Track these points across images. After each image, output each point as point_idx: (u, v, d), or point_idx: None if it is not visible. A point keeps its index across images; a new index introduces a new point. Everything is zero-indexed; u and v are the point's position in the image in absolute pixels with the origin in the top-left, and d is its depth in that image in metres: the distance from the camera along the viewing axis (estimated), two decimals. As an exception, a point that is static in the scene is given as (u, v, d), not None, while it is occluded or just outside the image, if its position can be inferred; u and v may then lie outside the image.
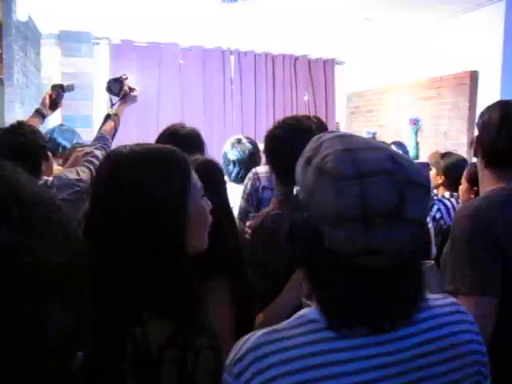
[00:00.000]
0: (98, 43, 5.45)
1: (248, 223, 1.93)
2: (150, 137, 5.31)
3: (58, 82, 5.50)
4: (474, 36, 4.19)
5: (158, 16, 4.60)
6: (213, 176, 1.25)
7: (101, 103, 5.43)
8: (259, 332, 0.72)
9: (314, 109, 6.18)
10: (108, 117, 2.27)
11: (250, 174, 2.22)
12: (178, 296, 0.85)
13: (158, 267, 0.84)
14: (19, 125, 1.66)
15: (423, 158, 4.73)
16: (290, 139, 1.49)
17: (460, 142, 4.29)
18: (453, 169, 2.35)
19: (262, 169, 2.24)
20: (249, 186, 2.27)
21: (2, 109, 3.76)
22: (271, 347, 0.69)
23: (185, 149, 0.99)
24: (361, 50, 5.90)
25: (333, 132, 0.79)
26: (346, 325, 0.69)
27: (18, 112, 3.71)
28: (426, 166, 4.55)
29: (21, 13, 3.89)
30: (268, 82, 5.97)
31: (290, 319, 0.74)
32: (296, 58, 6.08)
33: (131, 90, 2.35)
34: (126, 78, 2.34)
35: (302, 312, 0.75)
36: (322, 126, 1.67)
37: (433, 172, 2.51)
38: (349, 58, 6.36)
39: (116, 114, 2.27)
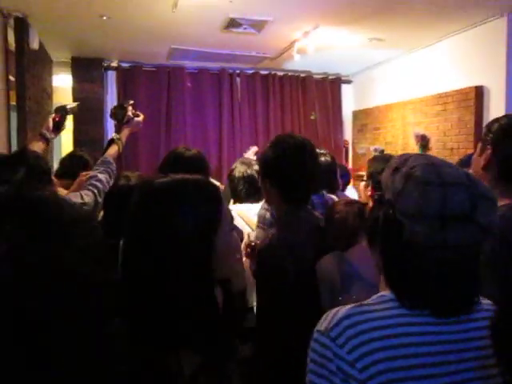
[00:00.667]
0: (107, 69, 5.59)
1: (247, 241, 1.95)
2: (159, 158, 5.35)
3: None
4: (478, 52, 4.22)
5: (164, 39, 4.71)
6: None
7: (111, 127, 5.56)
8: (347, 306, 0.85)
9: (322, 127, 6.24)
10: (112, 141, 2.31)
11: (264, 205, 2.15)
12: (208, 323, 0.86)
13: (190, 296, 0.86)
14: (21, 151, 1.71)
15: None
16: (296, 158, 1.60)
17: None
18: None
19: None
20: (268, 216, 2.13)
21: (14, 135, 3.87)
22: (361, 317, 0.83)
23: (190, 171, 1.00)
24: (366, 67, 5.98)
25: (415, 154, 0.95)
26: (416, 307, 0.83)
27: (29, 139, 3.79)
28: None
29: (33, 41, 4.02)
30: (276, 102, 6.07)
31: (373, 297, 0.88)
32: (303, 78, 6.17)
33: (135, 115, 2.41)
34: (131, 104, 2.40)
35: (382, 293, 0.88)
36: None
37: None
38: (355, 76, 6.43)
39: (119, 139, 2.32)
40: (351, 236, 1.49)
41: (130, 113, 2.37)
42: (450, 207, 0.80)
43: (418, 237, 0.80)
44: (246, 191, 2.53)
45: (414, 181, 0.83)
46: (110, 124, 5.61)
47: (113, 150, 2.25)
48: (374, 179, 2.09)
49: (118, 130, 2.50)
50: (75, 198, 1.90)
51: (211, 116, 5.84)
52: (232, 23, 4.11)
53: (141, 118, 2.46)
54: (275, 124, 6.05)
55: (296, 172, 1.60)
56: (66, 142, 6.19)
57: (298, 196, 1.63)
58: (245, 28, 4.25)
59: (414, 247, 0.81)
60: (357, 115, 6.37)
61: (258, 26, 4.21)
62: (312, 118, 6.18)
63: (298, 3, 3.69)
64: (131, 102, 2.46)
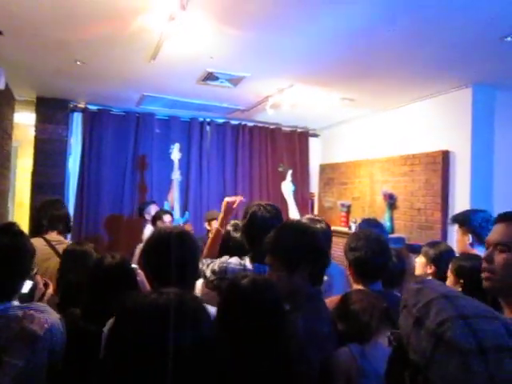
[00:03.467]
0: (74, 110, 5.45)
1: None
2: (123, 206, 5.16)
3: (30, 147, 5.46)
4: (445, 117, 4.43)
5: (137, 86, 4.67)
6: None
7: (73, 170, 5.38)
8: None
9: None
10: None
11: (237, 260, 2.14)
12: None
13: None
14: (9, 226, 1.59)
15: (398, 232, 4.82)
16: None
17: (434, 219, 4.40)
18: (442, 259, 2.38)
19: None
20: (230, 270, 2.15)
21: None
22: None
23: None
24: (335, 123, 6.15)
25: (432, 286, 0.82)
26: None
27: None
28: (402, 241, 4.64)
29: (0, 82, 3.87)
30: (245, 153, 6.11)
31: None
32: (272, 129, 6.25)
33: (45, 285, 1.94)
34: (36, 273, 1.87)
35: None
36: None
37: (422, 261, 2.53)
38: (323, 131, 6.59)
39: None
40: (367, 330, 1.41)
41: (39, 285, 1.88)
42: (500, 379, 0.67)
43: None
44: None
45: (447, 347, 0.70)
46: (74, 168, 5.45)
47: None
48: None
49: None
50: None
51: (179, 162, 5.74)
52: (209, 76, 4.13)
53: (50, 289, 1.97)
54: (243, 174, 6.07)
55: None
56: (22, 186, 5.93)
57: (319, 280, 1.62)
58: (221, 82, 4.28)
59: None
60: (324, 169, 6.48)
61: (235, 80, 4.25)
62: (280, 169, 6.17)
63: (276, 63, 3.77)
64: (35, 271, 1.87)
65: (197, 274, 1.70)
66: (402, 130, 5.02)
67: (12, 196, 5.68)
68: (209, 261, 2.20)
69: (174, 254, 1.54)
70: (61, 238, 2.85)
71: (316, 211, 6.56)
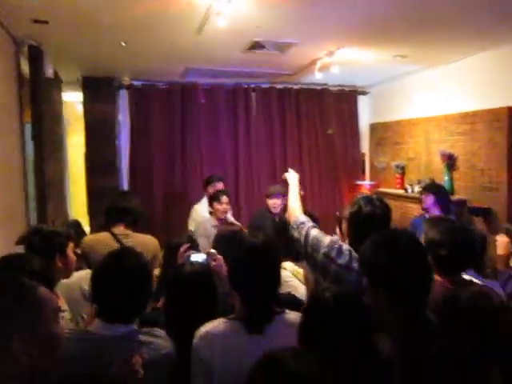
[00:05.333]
0: (119, 87, 5.44)
1: None
2: (175, 179, 5.06)
3: (77, 123, 5.51)
4: (510, 71, 4.09)
5: (181, 60, 4.56)
6: None
7: (125, 147, 5.40)
8: None
9: (338, 141, 6.16)
10: None
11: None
12: None
13: None
14: (128, 250, 1.71)
15: (459, 193, 4.62)
16: None
17: (500, 180, 4.17)
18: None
19: None
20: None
21: (30, 167, 3.77)
22: None
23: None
24: (385, 80, 5.84)
25: None
26: None
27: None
28: (464, 203, 4.45)
29: (48, 69, 3.88)
30: (292, 117, 5.95)
31: None
32: (319, 91, 6.04)
33: None
34: None
35: None
36: None
37: (504, 239, 2.38)
38: (372, 88, 6.31)
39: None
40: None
41: None
42: None
43: None
44: None
45: None
46: (125, 143, 5.48)
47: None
48: None
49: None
50: None
51: (226, 134, 5.73)
52: (256, 45, 3.97)
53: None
54: (291, 139, 5.95)
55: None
56: (74, 162, 6.05)
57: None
58: (268, 50, 4.11)
59: None
60: (374, 128, 6.25)
61: (283, 47, 4.07)
62: (329, 132, 6.06)
63: (325, 26, 3.55)
64: None
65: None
66: (459, 85, 4.70)
67: (67, 174, 5.81)
68: (307, 224, 2.13)
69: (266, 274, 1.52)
70: (128, 231, 2.76)
71: (367, 172, 6.40)
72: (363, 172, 6.35)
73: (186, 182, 5.55)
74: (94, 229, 4.66)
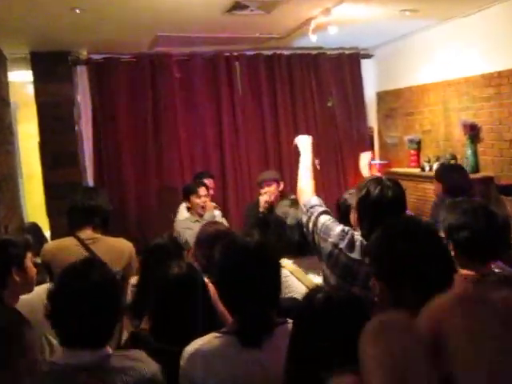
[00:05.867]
0: (76, 64, 5.38)
1: None
2: (148, 167, 4.98)
3: (30, 111, 5.44)
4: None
5: (149, 27, 4.52)
6: None
7: (86, 135, 5.36)
8: None
9: (341, 115, 6.14)
10: None
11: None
12: None
13: None
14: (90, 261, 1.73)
15: (485, 170, 4.65)
16: None
17: (532, 152, 4.21)
18: None
19: None
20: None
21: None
22: None
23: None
24: (391, 39, 5.82)
25: None
26: None
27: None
28: (490, 181, 4.46)
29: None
30: (284, 89, 5.93)
31: None
32: (314, 56, 6.02)
33: None
34: None
35: None
36: None
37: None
38: (377, 50, 6.29)
39: None
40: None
41: None
42: None
43: None
44: None
45: None
46: (87, 130, 5.47)
47: None
48: None
49: None
50: None
51: (207, 112, 5.70)
52: (236, 6, 3.95)
53: None
54: (285, 115, 5.93)
55: None
56: (28, 155, 5.98)
57: None
58: (251, 10, 4.09)
59: None
60: (382, 97, 6.26)
61: (268, 6, 4.05)
62: (329, 104, 6.07)
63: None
64: None
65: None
66: (481, 41, 4.69)
67: (20, 170, 5.75)
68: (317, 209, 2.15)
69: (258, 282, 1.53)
70: (96, 234, 2.77)
71: (376, 149, 6.42)
72: (372, 148, 6.30)
73: (162, 172, 5.54)
74: (56, 232, 4.66)
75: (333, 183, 6.05)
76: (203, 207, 4.26)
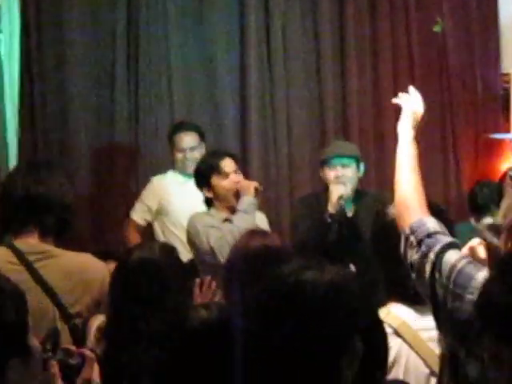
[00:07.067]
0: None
1: None
2: (117, 124, 4.23)
3: None
4: None
5: None
6: None
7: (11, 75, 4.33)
8: None
9: (455, 49, 4.65)
10: None
11: None
12: None
13: None
14: None
15: None
16: None
17: None
18: None
19: None
20: None
21: None
22: None
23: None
24: None
25: None
26: None
27: None
28: None
29: None
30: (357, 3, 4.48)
31: None
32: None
33: None
34: None
35: None
36: None
37: None
38: None
39: None
40: None
41: None
42: None
43: None
44: None
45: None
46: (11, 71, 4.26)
47: None
48: None
49: None
50: None
51: (221, 38, 4.28)
52: None
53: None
54: (359, 48, 4.45)
55: None
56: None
57: None
58: None
59: None
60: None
61: None
62: (436, 30, 4.54)
63: None
64: None
65: None
66: None
67: None
68: (440, 239, 1.60)
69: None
70: (45, 245, 2.18)
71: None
72: (507, 114, 4.80)
73: (140, 139, 4.24)
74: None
75: (437, 172, 4.69)
76: (237, 193, 3.17)
